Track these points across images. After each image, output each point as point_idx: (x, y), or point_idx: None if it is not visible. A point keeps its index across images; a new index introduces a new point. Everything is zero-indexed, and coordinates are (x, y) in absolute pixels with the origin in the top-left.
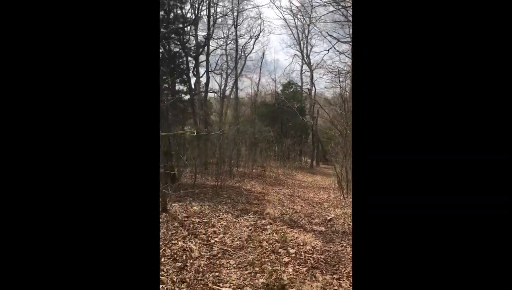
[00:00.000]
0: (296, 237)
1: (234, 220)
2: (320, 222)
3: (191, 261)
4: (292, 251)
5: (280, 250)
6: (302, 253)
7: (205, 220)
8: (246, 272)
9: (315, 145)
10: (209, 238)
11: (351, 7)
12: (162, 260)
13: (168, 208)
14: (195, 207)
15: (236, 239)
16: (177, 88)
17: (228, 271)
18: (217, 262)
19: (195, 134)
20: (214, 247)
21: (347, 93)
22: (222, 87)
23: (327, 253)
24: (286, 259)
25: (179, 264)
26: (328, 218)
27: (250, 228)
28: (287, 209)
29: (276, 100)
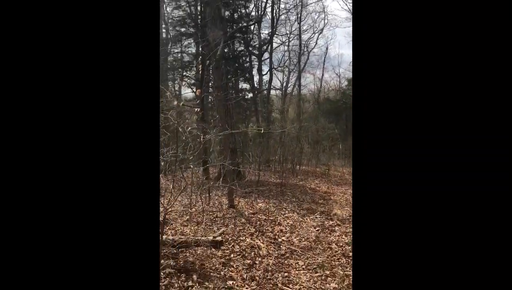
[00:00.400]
0: None
1: (300, 219)
2: None
3: (260, 259)
4: None
5: (351, 254)
6: None
7: (271, 218)
8: (316, 275)
9: None
10: (276, 237)
11: None
12: (232, 256)
13: (235, 204)
14: (260, 204)
15: (303, 239)
16: (240, 86)
17: (297, 272)
18: (285, 262)
19: (262, 131)
20: (281, 246)
21: None
22: (284, 84)
23: None
24: None
25: (248, 261)
26: None
27: (317, 228)
28: None
29: (340, 95)
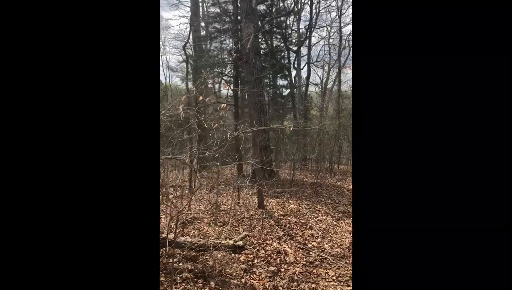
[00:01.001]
0: None
1: (334, 223)
2: None
3: (286, 266)
4: None
5: None
6: None
7: (302, 221)
8: (348, 288)
9: None
10: (306, 242)
11: None
12: (255, 261)
13: (265, 204)
14: (292, 205)
15: (336, 245)
16: (278, 83)
17: (326, 283)
18: (314, 271)
19: (291, 128)
20: (311, 253)
21: None
22: (324, 80)
23: None
24: None
25: (273, 268)
26: None
27: (351, 234)
28: None
29: None
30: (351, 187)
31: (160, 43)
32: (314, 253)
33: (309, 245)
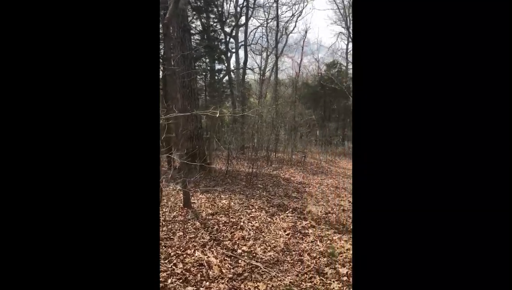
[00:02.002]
0: (347, 249)
1: (269, 220)
2: None
3: (207, 283)
4: (343, 271)
5: (326, 269)
6: None
7: (233, 219)
8: None
9: None
10: (235, 247)
11: None
12: (169, 281)
13: (193, 201)
14: (223, 201)
15: (269, 248)
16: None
17: None
18: (242, 286)
19: (217, 115)
20: (240, 261)
21: None
22: (262, 68)
23: None
24: (336, 286)
25: (190, 288)
26: None
27: (287, 232)
28: (333, 206)
29: (318, 81)
30: (287, 175)
31: None
32: (244, 261)
33: (239, 251)
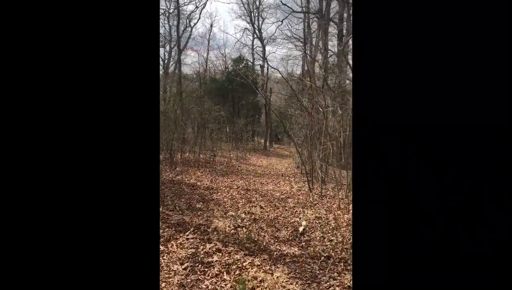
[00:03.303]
0: (261, 280)
1: (162, 248)
2: (289, 237)
3: None
4: None
5: None
6: None
7: None
8: None
9: (268, 125)
10: None
11: None
12: None
13: None
14: None
15: None
16: None
17: None
18: None
19: None
20: None
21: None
22: (166, 61)
23: None
24: None
25: None
26: (300, 229)
27: (185, 264)
28: (243, 216)
29: (226, 76)
30: (192, 180)
31: None
32: None
33: None
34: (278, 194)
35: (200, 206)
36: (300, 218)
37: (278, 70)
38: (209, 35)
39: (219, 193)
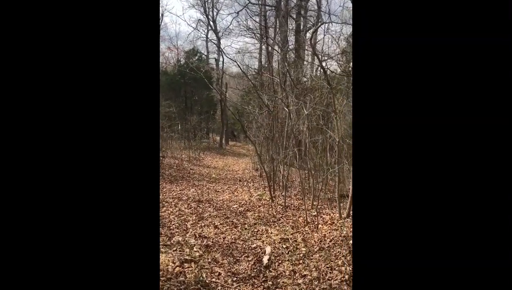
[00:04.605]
0: None
1: None
2: (251, 271)
3: None
4: None
5: None
6: None
7: None
8: None
9: (224, 122)
10: None
11: None
12: None
13: None
14: None
15: None
16: None
17: None
18: None
19: None
20: None
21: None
22: None
23: None
24: None
25: None
26: (264, 260)
27: None
28: (192, 242)
29: (178, 70)
30: None
31: None
32: None
33: None
34: (236, 205)
35: None
36: (263, 241)
37: (235, 61)
38: (160, 24)
39: (164, 209)
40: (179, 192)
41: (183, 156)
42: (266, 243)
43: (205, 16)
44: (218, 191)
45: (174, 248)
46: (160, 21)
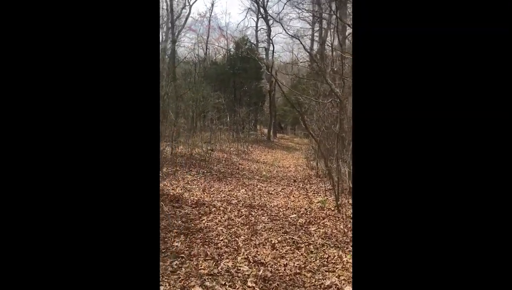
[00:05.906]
0: None
1: None
2: None
3: None
4: None
5: None
6: None
7: None
8: None
9: (272, 114)
10: None
11: None
12: None
13: None
14: None
15: None
16: None
17: None
18: None
19: None
20: None
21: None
22: (162, 43)
23: None
24: None
25: None
26: None
27: None
28: (245, 271)
29: (227, 60)
30: (178, 191)
31: None
32: None
33: None
34: (294, 215)
35: (178, 245)
36: (338, 276)
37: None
38: (210, 15)
39: (212, 215)
40: (227, 193)
41: (231, 149)
42: (344, 279)
43: (255, 4)
44: (271, 194)
45: (223, 281)
46: (210, 11)
